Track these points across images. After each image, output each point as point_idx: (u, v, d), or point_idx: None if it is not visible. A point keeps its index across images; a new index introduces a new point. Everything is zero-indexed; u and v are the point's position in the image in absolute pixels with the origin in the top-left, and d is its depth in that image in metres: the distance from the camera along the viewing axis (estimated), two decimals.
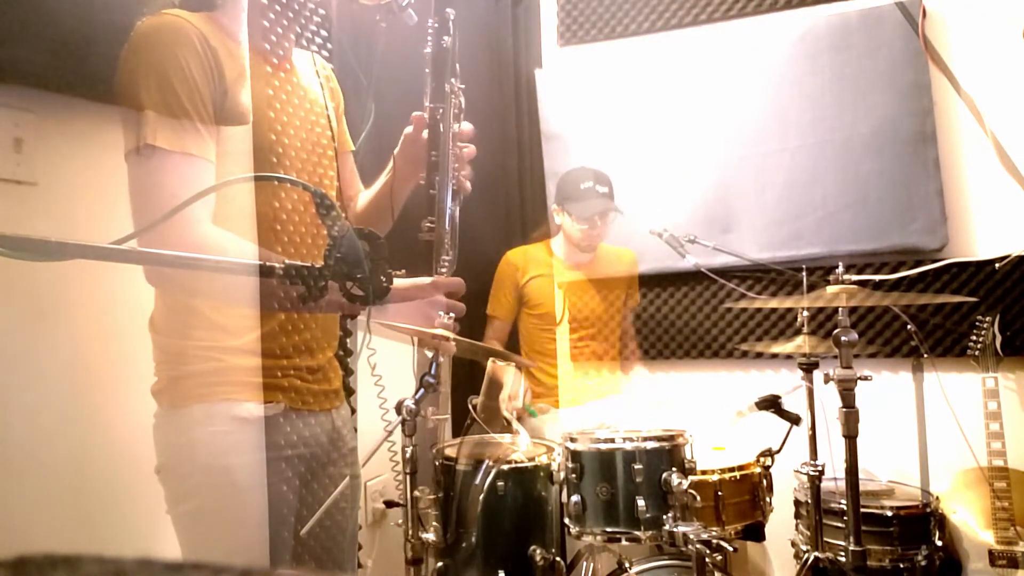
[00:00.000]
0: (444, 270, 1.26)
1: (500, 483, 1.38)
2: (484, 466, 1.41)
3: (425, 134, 1.31)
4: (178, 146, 1.05)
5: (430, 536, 1.36)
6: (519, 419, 2.38)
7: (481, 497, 1.37)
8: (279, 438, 1.20)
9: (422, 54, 1.28)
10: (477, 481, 1.39)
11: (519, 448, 1.52)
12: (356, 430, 1.43)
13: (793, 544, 2.27)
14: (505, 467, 1.40)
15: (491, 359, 1.56)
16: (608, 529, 1.46)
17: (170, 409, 1.18)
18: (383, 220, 1.41)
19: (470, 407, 1.52)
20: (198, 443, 1.15)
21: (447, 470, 1.43)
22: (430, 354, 1.25)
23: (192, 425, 1.15)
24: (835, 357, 1.70)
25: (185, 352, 1.17)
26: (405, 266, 1.16)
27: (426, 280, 1.25)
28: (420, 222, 1.28)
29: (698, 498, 1.48)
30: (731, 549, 1.37)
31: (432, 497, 1.40)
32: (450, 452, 1.46)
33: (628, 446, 1.47)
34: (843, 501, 1.83)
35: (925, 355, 2.47)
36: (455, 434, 1.53)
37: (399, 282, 1.23)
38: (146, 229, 1.00)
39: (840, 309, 1.74)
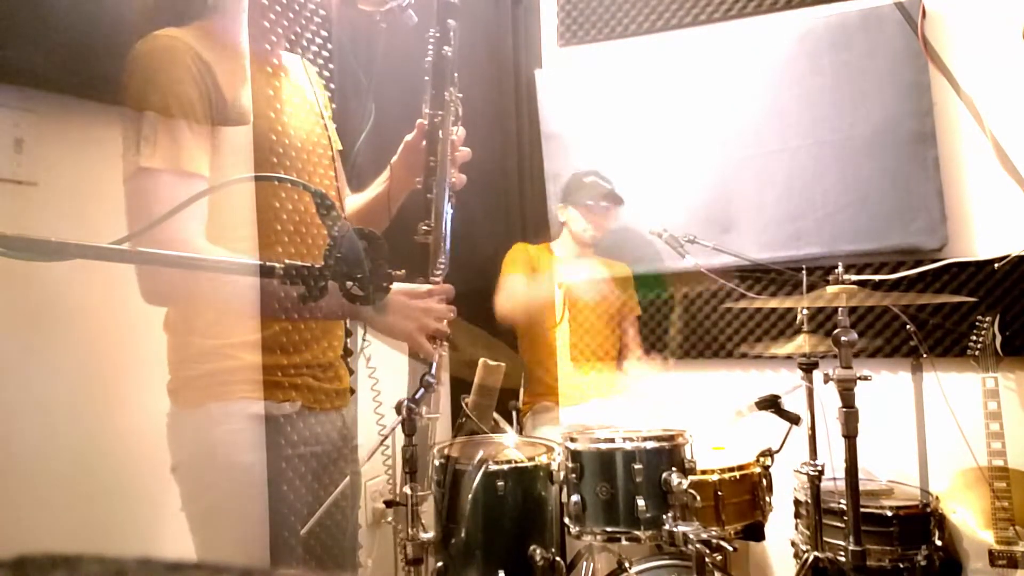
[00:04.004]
0: (439, 273, 1.27)
1: (500, 483, 1.38)
2: (485, 466, 1.40)
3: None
4: (172, 164, 1.07)
5: (429, 536, 1.36)
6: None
7: (481, 497, 1.37)
8: (295, 436, 1.21)
9: (423, 59, 1.28)
10: (477, 481, 1.39)
11: (510, 446, 1.51)
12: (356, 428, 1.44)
13: (793, 544, 2.27)
14: (505, 467, 1.40)
15: (481, 359, 1.55)
16: (608, 529, 1.45)
17: (186, 408, 1.18)
18: (378, 225, 1.42)
19: (463, 405, 1.53)
20: (216, 441, 1.15)
21: (447, 469, 1.43)
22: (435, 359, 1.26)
23: (210, 424, 1.15)
24: (835, 357, 1.70)
25: (201, 351, 1.17)
26: (399, 269, 1.16)
27: (421, 287, 1.26)
28: (415, 225, 1.28)
29: (698, 498, 1.48)
30: (731, 549, 1.37)
31: (432, 496, 1.40)
32: (450, 451, 1.46)
33: (628, 446, 1.47)
34: (843, 501, 1.83)
35: (925, 355, 2.47)
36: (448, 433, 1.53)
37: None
38: (137, 234, 1.00)
39: (840, 309, 1.74)
